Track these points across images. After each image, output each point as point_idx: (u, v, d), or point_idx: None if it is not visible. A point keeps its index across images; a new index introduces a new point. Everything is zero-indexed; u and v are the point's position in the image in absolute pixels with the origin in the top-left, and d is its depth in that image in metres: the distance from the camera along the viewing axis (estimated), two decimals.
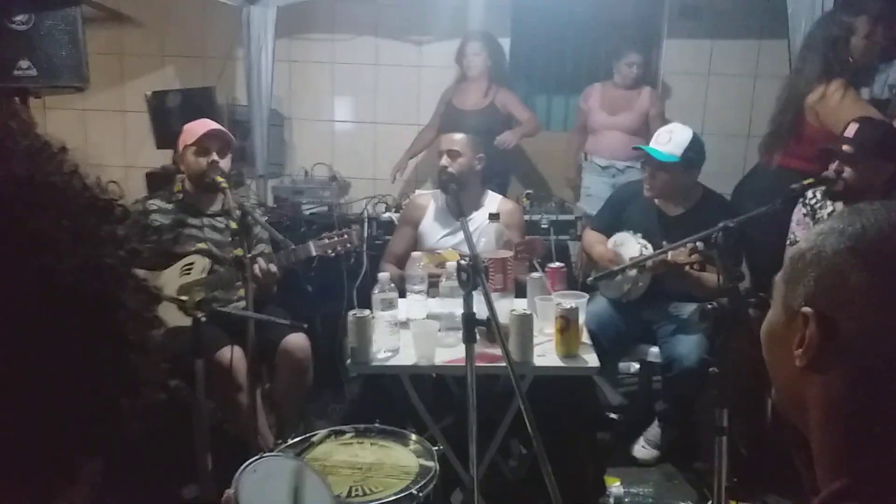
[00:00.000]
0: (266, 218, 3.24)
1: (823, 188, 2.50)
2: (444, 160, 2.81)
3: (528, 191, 3.63)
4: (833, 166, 2.53)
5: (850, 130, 2.53)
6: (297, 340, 2.58)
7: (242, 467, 1.32)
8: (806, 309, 0.68)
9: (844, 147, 2.50)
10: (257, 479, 1.29)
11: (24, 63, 2.96)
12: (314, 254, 2.57)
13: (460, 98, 3.81)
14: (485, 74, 3.73)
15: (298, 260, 2.61)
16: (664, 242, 2.56)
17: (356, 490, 1.49)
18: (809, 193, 2.56)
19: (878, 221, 0.67)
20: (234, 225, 2.30)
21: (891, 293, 0.64)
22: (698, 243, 2.35)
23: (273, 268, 2.52)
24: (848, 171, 2.48)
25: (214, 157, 2.63)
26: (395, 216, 3.37)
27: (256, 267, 2.48)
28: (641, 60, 3.74)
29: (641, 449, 2.89)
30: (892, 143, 2.55)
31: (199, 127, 2.68)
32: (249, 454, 2.04)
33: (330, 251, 2.58)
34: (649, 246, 2.67)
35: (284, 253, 2.57)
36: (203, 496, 2.22)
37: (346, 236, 2.60)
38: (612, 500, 2.58)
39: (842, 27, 2.84)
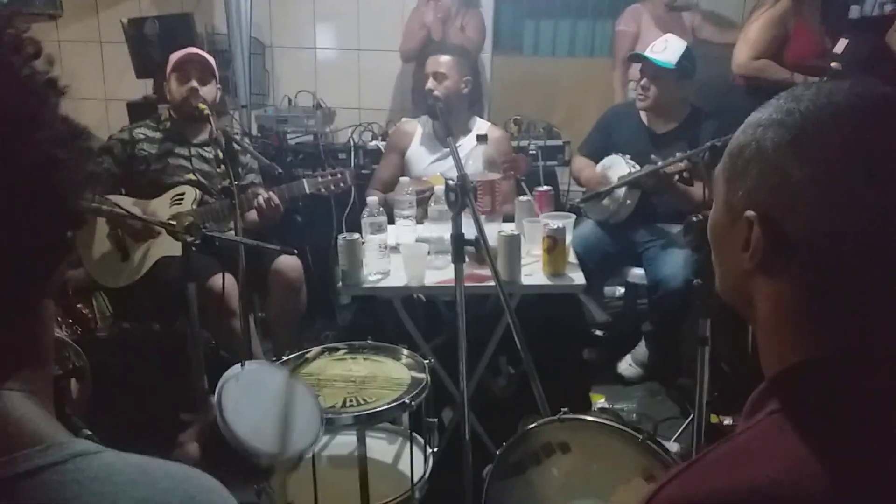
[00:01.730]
0: (252, 147, 3.21)
1: None
2: (431, 83, 2.77)
3: (517, 116, 3.59)
4: None
5: (840, 46, 2.52)
6: (288, 261, 2.61)
7: (225, 374, 1.31)
8: (749, 213, 0.64)
9: (833, 63, 2.50)
10: (241, 386, 1.29)
11: None
12: (308, 191, 2.59)
13: (436, 28, 3.63)
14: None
15: (292, 197, 2.62)
16: (655, 159, 2.57)
17: (350, 400, 1.53)
18: None
19: (817, 110, 0.63)
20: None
21: (835, 187, 0.60)
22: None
23: (276, 200, 2.54)
24: None
25: (194, 83, 2.63)
26: (381, 144, 3.34)
27: (261, 197, 2.50)
28: None
29: (628, 367, 2.97)
30: (880, 59, 2.55)
31: (179, 53, 2.67)
32: None
33: (323, 189, 2.59)
34: (637, 167, 2.68)
35: (277, 189, 2.59)
36: (200, 419, 2.27)
37: (339, 175, 2.60)
38: None
39: None
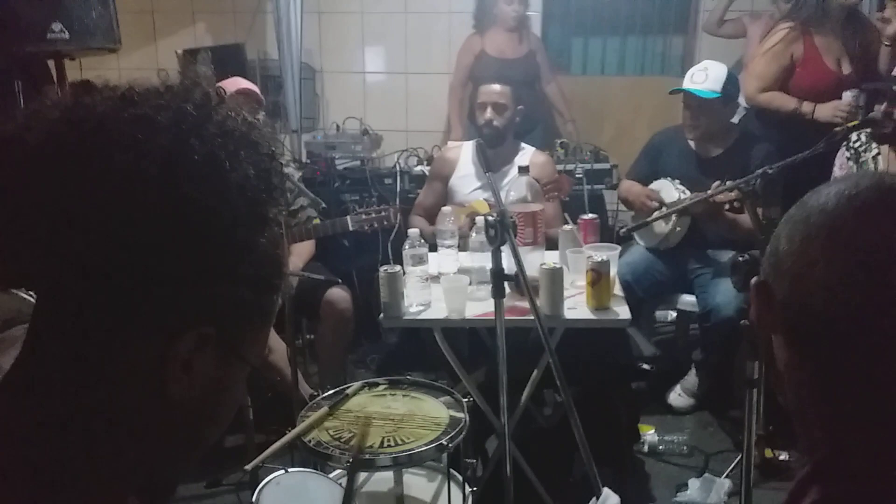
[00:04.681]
0: (300, 174, 3.28)
1: (869, 130, 2.40)
2: (489, 113, 2.74)
3: (562, 139, 3.56)
4: (881, 107, 2.42)
5: None
6: (339, 293, 2.69)
7: (264, 481, 1.40)
8: (753, 279, 0.70)
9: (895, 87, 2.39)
10: (282, 490, 1.36)
11: (56, 26, 3.00)
12: (351, 228, 2.66)
13: (494, 47, 3.69)
14: (518, 23, 3.63)
15: (335, 232, 2.69)
16: (707, 184, 2.51)
17: (388, 440, 1.53)
18: (854, 136, 2.46)
19: (823, 195, 0.66)
20: None
21: (807, 249, 0.64)
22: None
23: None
24: None
25: None
26: (426, 169, 3.36)
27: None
28: None
29: (678, 397, 2.89)
30: None
31: (228, 86, 2.75)
32: (288, 405, 2.14)
33: (367, 227, 2.64)
34: (687, 192, 2.63)
35: (322, 225, 2.68)
36: (247, 445, 2.32)
37: (384, 213, 2.66)
38: (646, 447, 2.60)
39: None
